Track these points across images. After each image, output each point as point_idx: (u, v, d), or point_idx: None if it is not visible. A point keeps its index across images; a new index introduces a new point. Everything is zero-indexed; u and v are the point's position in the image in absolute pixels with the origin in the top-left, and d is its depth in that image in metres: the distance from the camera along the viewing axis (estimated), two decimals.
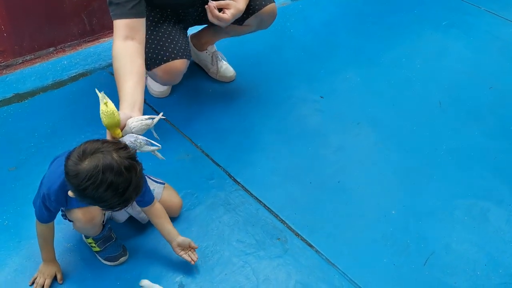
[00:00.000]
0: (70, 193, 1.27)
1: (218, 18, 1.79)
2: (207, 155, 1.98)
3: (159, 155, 1.43)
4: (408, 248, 1.68)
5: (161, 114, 1.45)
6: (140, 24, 1.64)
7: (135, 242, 1.65)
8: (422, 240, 1.71)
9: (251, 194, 1.84)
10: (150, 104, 2.16)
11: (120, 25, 1.60)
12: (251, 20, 2.01)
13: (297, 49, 2.58)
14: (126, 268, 1.59)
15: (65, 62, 2.40)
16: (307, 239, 1.70)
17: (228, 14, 1.80)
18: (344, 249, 1.67)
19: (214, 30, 2.15)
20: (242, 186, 1.87)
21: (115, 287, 1.54)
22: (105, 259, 1.58)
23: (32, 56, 2.39)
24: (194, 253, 1.57)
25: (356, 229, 1.74)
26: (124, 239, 1.64)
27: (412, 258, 1.65)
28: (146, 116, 1.40)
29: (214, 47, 2.29)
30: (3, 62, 2.31)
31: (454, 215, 1.80)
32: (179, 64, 1.88)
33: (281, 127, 2.12)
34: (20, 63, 2.36)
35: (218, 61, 2.27)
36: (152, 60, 1.87)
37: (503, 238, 1.73)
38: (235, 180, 1.89)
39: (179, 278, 1.57)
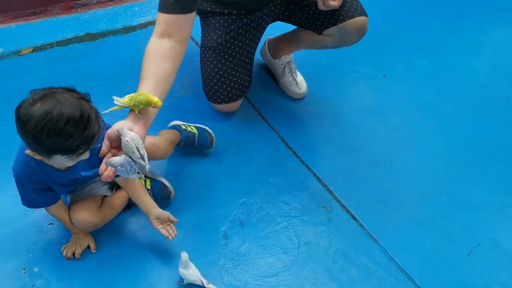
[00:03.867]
0: (28, 151, 1.19)
1: (327, 5, 1.61)
2: (263, 117, 2.01)
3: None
4: (454, 236, 1.66)
5: (148, 167, 1.26)
6: (183, 21, 1.42)
7: (181, 189, 1.72)
8: (468, 231, 1.69)
9: (302, 161, 1.86)
10: None
11: (160, 19, 1.42)
12: (331, 30, 1.75)
13: None
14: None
15: (136, 8, 2.47)
16: (352, 212, 1.71)
17: (337, 2, 1.63)
18: (388, 227, 1.67)
19: (291, 36, 1.97)
20: (294, 152, 1.89)
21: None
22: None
23: None
24: (173, 227, 1.46)
25: (403, 210, 1.73)
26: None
27: (456, 247, 1.64)
28: (142, 152, 1.23)
29: (290, 57, 2.07)
30: (80, 0, 2.40)
31: (505, 212, 1.75)
32: (233, 105, 1.92)
33: (341, 99, 2.11)
34: (95, 3, 2.44)
35: (290, 74, 2.06)
36: (209, 94, 1.87)
37: None
38: (287, 145, 1.91)
39: (224, 228, 1.63)
